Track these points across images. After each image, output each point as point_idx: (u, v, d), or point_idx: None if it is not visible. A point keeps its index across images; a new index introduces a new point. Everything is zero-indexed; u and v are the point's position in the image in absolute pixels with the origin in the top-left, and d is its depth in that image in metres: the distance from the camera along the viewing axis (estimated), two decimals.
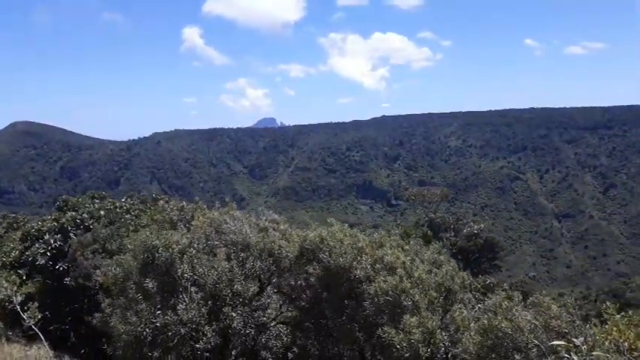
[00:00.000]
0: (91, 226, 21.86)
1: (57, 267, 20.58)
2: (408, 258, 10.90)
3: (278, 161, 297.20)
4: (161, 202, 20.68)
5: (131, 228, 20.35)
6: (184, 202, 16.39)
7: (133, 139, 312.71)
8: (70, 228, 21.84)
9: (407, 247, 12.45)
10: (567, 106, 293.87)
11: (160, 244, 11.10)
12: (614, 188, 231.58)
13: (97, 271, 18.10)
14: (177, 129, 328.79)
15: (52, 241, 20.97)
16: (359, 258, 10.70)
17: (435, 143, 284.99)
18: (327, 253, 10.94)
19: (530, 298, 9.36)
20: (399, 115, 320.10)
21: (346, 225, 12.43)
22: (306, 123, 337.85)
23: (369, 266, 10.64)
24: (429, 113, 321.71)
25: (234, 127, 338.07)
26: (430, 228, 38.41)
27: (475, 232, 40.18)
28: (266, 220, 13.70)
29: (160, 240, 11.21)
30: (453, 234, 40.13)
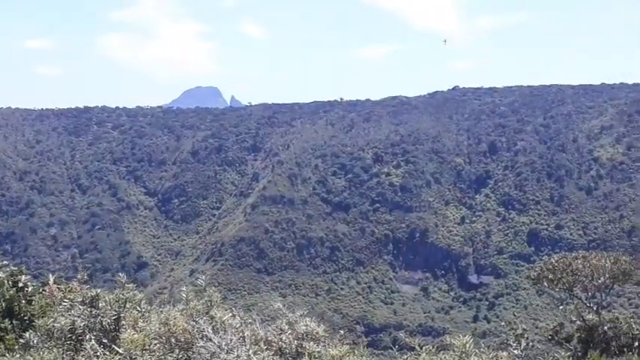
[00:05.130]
0: None
1: None
2: None
3: (224, 181, 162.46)
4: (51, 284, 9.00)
5: None
6: (95, 289, 7.13)
7: None
8: None
9: None
10: None
11: None
12: None
13: None
14: (4, 107, 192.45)
15: None
16: None
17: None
18: None
19: None
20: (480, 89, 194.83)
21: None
22: (286, 102, 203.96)
23: None
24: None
25: (131, 105, 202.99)
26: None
27: None
28: (290, 334, 6.40)
29: None
30: None
